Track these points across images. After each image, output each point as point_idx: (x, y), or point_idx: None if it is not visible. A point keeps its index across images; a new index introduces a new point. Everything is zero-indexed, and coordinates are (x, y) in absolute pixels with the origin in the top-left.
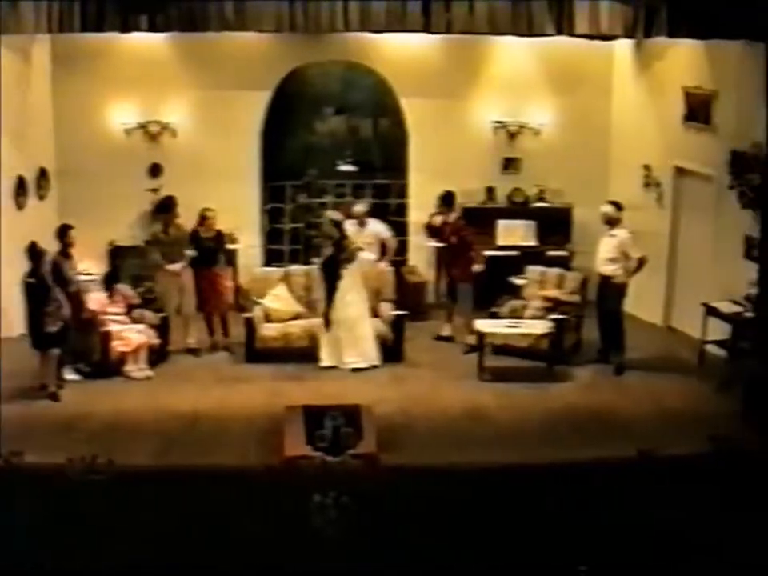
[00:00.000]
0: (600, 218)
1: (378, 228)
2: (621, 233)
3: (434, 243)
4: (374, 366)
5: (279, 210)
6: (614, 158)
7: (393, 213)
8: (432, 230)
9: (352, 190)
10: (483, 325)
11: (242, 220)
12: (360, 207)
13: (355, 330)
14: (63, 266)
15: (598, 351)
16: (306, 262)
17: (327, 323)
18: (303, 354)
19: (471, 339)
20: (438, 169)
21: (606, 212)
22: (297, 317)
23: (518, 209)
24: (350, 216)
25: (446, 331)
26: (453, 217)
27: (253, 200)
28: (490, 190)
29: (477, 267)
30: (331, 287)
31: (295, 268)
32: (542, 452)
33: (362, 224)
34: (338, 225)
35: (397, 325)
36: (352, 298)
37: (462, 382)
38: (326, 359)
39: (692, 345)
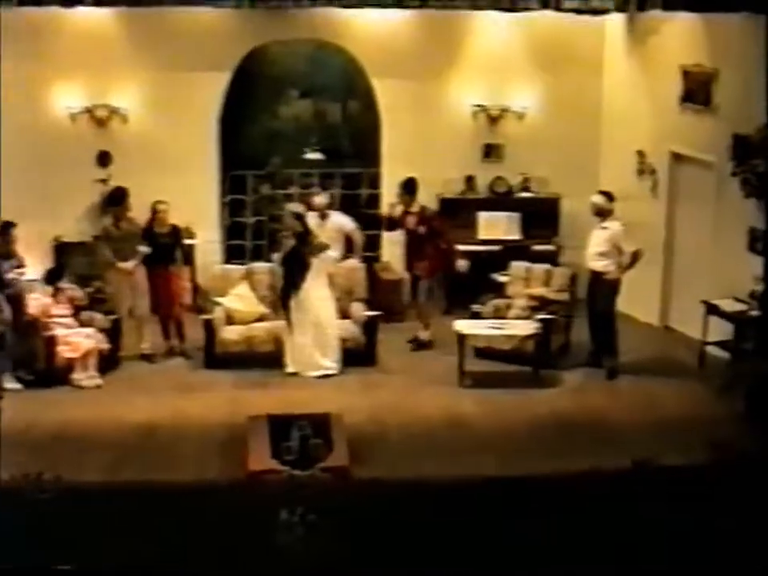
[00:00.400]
0: (590, 209)
1: (340, 221)
2: (613, 225)
3: (394, 235)
4: (332, 375)
5: (240, 202)
6: (605, 144)
7: (364, 205)
8: (391, 222)
9: (319, 180)
10: (464, 326)
11: (199, 213)
12: (321, 198)
13: (320, 334)
14: (1, 266)
15: (588, 354)
16: (270, 259)
17: (289, 325)
18: (268, 359)
19: (424, 335)
20: (413, 156)
21: (596, 202)
22: (260, 318)
23: (500, 199)
24: (310, 208)
25: (424, 335)
26: (416, 206)
27: (211, 191)
28: (470, 179)
29: (462, 264)
30: (292, 286)
31: (258, 265)
32: (527, 463)
33: (323, 217)
34: (299, 218)
35: (369, 327)
36: (317, 298)
37: (440, 388)
38: (291, 365)
39: (691, 346)
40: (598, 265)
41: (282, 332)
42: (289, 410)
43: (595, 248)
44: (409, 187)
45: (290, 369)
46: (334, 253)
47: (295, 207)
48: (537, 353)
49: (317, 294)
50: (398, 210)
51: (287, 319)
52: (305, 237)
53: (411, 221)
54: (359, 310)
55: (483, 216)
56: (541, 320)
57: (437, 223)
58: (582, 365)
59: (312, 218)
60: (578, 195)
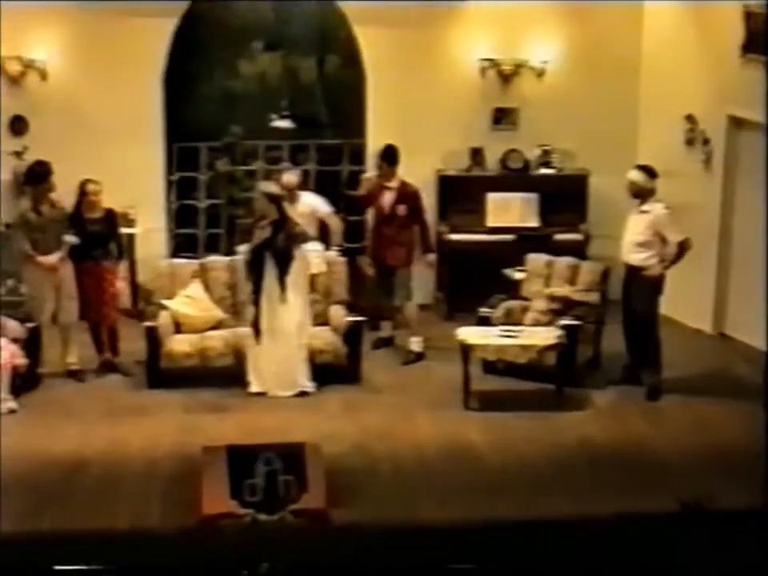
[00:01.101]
0: (626, 189)
1: (313, 203)
2: (655, 208)
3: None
4: (307, 394)
5: (191, 180)
6: (645, 107)
7: (345, 184)
8: (364, 199)
9: (290, 154)
10: (469, 334)
11: (140, 195)
12: (290, 176)
13: (294, 346)
14: None
15: (624, 368)
16: (230, 252)
17: (258, 334)
18: (226, 376)
19: (416, 345)
20: (405, 124)
21: (634, 180)
22: (217, 326)
23: (514, 177)
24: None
25: (386, 331)
26: (395, 180)
27: (155, 167)
28: (477, 153)
29: (431, 258)
30: (262, 287)
31: (214, 259)
32: (548, 504)
33: (291, 198)
34: (275, 200)
35: (352, 335)
36: (295, 302)
37: (440, 412)
38: (256, 383)
39: (752, 358)
40: (637, 258)
41: (245, 342)
42: (253, 439)
43: (633, 237)
44: (389, 156)
45: (255, 388)
46: (317, 246)
47: (269, 187)
48: (560, 367)
49: (295, 296)
50: (372, 183)
51: (255, 326)
52: (282, 225)
53: (388, 198)
54: (339, 314)
55: (493, 198)
56: (564, 326)
57: (420, 203)
58: (617, 382)
59: None
60: (612, 171)
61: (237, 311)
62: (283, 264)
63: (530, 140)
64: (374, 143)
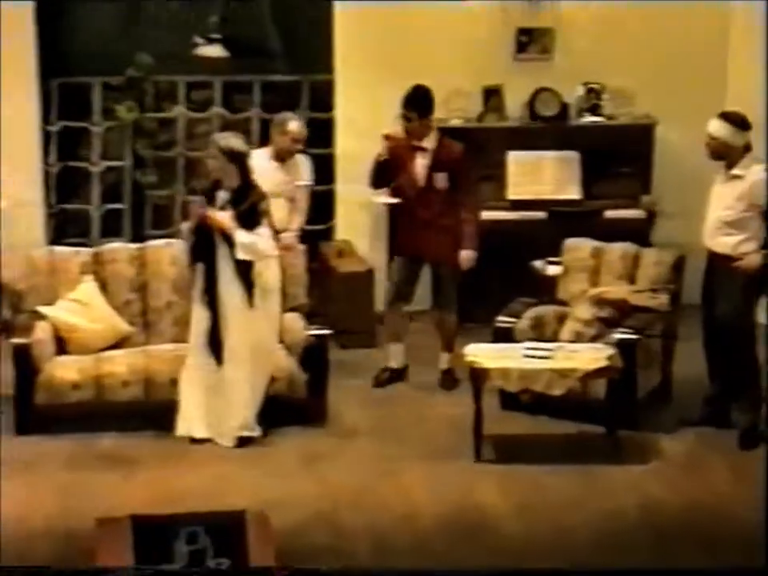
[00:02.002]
0: (707, 147)
1: (305, 167)
2: (751, 173)
3: (387, 198)
4: (246, 439)
5: (80, 133)
6: (735, 28)
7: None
8: (380, 168)
9: (223, 95)
10: (483, 353)
11: (3, 154)
12: (299, 125)
13: (248, 371)
14: None
15: (705, 402)
16: (139, 236)
17: (218, 352)
18: (134, 415)
19: (445, 361)
20: (390, 53)
21: (717, 135)
22: (120, 342)
23: (546, 129)
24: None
25: (396, 358)
26: (430, 139)
27: (24, 114)
28: (493, 94)
29: (467, 256)
30: (214, 284)
31: (115, 248)
32: None
33: (288, 157)
34: (238, 160)
35: (313, 355)
36: (261, 306)
37: (440, 465)
38: (191, 423)
39: None
40: (725, 243)
41: (159, 365)
42: (172, 507)
43: (719, 214)
44: (418, 102)
45: (187, 430)
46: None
47: (230, 141)
48: (612, 401)
49: (262, 300)
50: (397, 143)
51: (212, 341)
52: (245, 194)
53: (421, 164)
54: (296, 326)
55: (516, 159)
56: (619, 343)
57: (465, 169)
58: (695, 422)
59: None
60: (688, 120)
61: (148, 321)
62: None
63: (570, 75)
64: (345, 80)
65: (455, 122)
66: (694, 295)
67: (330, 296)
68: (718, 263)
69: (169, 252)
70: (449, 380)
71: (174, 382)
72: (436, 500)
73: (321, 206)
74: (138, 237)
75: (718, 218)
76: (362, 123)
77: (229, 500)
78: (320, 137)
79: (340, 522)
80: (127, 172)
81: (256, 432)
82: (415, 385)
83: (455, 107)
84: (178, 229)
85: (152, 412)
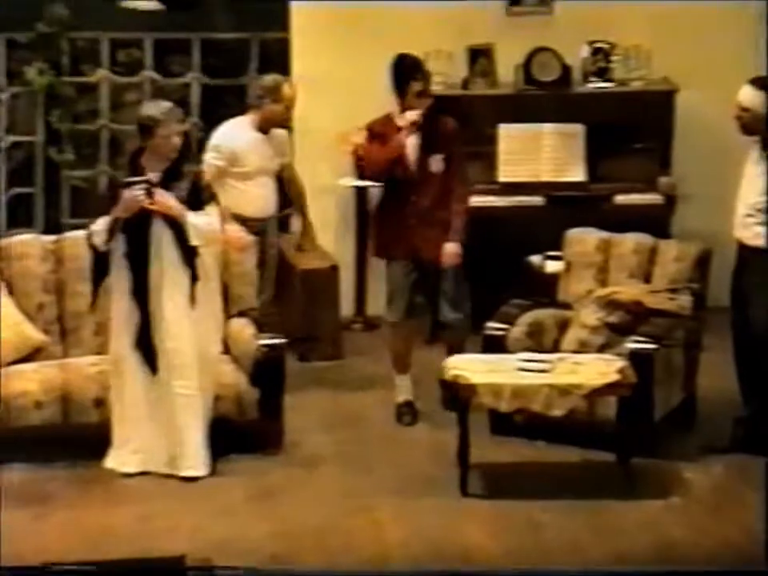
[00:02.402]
0: (737, 119)
1: (245, 140)
2: None
3: (355, 180)
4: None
5: None
6: None
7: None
8: (377, 151)
9: (155, 57)
10: (469, 366)
11: None
12: (291, 87)
13: (191, 387)
14: None
15: (736, 424)
16: (54, 226)
17: (151, 360)
18: (47, 441)
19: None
20: (356, 8)
21: (751, 105)
22: (31, 355)
23: (545, 97)
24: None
25: (405, 392)
26: (417, 111)
27: None
28: (481, 56)
29: (451, 250)
30: (145, 280)
31: (24, 240)
32: None
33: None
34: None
35: (266, 369)
36: (204, 311)
37: (418, 500)
38: (125, 453)
39: None
40: (760, 234)
41: (88, 382)
42: (94, 552)
43: (752, 199)
44: (406, 72)
45: (120, 463)
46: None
47: (160, 108)
48: (624, 423)
49: (205, 302)
50: (384, 121)
51: (142, 346)
52: (181, 171)
53: (412, 144)
54: (245, 334)
55: (509, 133)
56: (633, 353)
57: (459, 148)
58: (723, 449)
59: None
60: (714, 87)
61: (66, 329)
62: (183, 242)
63: (573, 33)
64: (303, 39)
65: (437, 89)
66: (722, 296)
67: (287, 298)
68: (750, 258)
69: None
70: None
71: (98, 403)
72: (413, 542)
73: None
74: (53, 227)
75: (750, 205)
76: (324, 91)
77: (164, 544)
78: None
79: (300, 569)
80: (39, 148)
81: (206, 470)
82: (389, 403)
83: (435, 71)
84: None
85: (70, 438)
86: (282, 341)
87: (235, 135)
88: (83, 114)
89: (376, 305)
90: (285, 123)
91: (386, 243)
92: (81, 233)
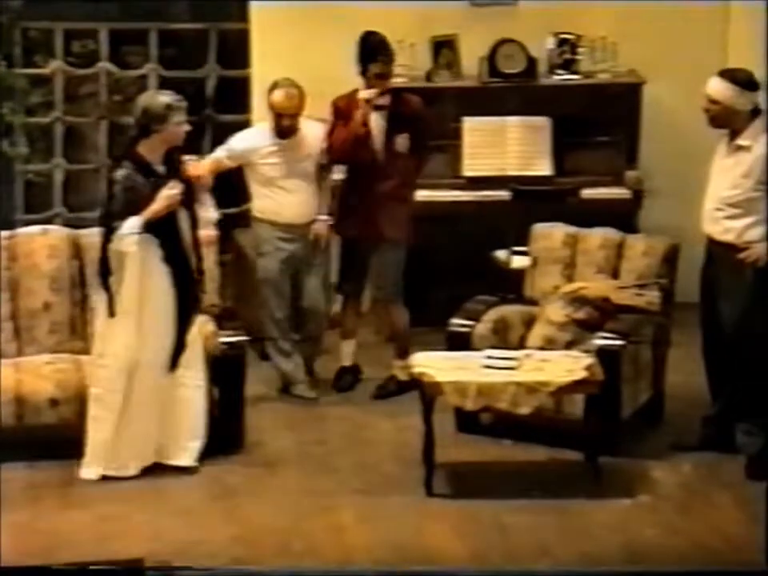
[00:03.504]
0: (706, 112)
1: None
2: (759, 144)
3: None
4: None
5: None
6: None
7: (213, 101)
8: (337, 131)
9: (111, 47)
10: (434, 363)
11: None
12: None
13: (191, 385)
14: None
15: (704, 422)
16: (7, 222)
17: (176, 360)
18: (2, 443)
19: (400, 372)
20: None
21: (720, 97)
22: None
23: (510, 89)
24: None
25: (348, 357)
26: (377, 91)
27: None
28: (444, 47)
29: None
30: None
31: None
32: None
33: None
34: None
35: (227, 367)
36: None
37: (382, 500)
38: (104, 459)
39: None
40: (729, 229)
41: (42, 381)
42: (49, 556)
43: (721, 193)
44: (373, 50)
45: (92, 470)
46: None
47: (172, 97)
48: (591, 421)
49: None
50: (346, 101)
51: (134, 358)
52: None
53: (377, 124)
54: (205, 330)
55: (474, 126)
56: (600, 350)
57: (426, 125)
58: (692, 446)
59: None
60: (681, 79)
61: (20, 327)
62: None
63: (538, 24)
64: (263, 29)
65: (400, 81)
66: (690, 292)
67: (248, 294)
68: (719, 253)
69: (45, 241)
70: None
71: (53, 403)
72: (377, 543)
73: (235, 185)
74: (6, 223)
75: (719, 199)
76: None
77: (122, 546)
78: (233, 100)
79: (263, 571)
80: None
81: (193, 460)
82: (352, 401)
83: (397, 63)
84: (115, 223)
85: (23, 440)
86: (243, 338)
87: (250, 139)
88: (37, 106)
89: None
90: (289, 128)
91: (346, 221)
92: (35, 228)
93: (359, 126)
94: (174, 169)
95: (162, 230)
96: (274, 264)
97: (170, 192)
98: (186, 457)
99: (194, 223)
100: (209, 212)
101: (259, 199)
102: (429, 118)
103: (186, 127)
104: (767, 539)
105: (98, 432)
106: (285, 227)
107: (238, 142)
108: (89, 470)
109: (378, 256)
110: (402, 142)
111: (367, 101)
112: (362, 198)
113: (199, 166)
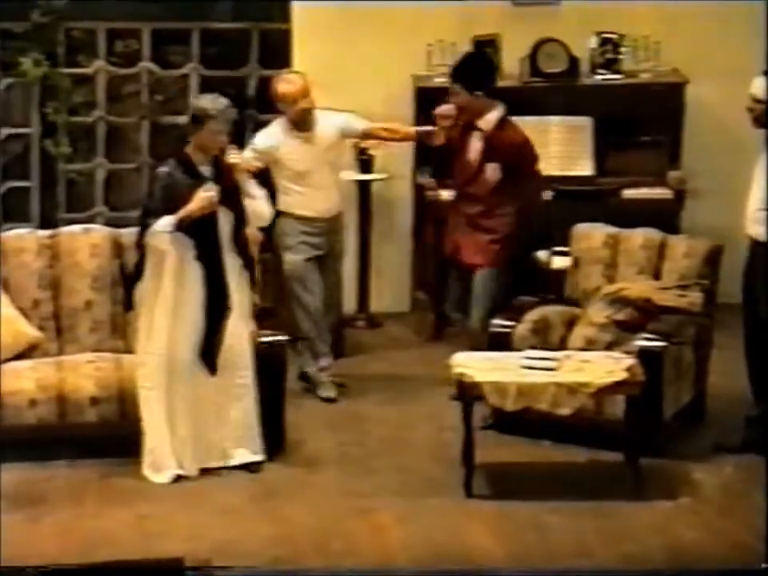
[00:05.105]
0: (750, 112)
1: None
2: None
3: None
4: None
5: None
6: None
7: (255, 102)
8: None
9: (153, 47)
10: (474, 364)
11: None
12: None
13: (239, 383)
14: None
15: (746, 423)
16: (50, 220)
17: (213, 363)
18: (44, 442)
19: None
20: None
21: (763, 96)
22: (26, 352)
23: (551, 89)
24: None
25: None
26: (487, 119)
27: None
28: (485, 46)
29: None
30: (219, 282)
31: (20, 235)
32: None
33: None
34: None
35: (269, 366)
36: (240, 302)
37: (421, 501)
38: (168, 459)
39: None
40: None
41: (84, 380)
42: (89, 555)
43: (764, 194)
44: (474, 73)
45: (162, 472)
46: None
47: (215, 104)
48: (632, 422)
49: (239, 294)
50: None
51: (176, 359)
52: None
53: (475, 148)
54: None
55: None
56: (642, 351)
57: (526, 162)
58: (734, 449)
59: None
60: (725, 78)
61: (62, 326)
62: (239, 228)
63: (580, 23)
64: (305, 29)
65: (439, 81)
66: (733, 293)
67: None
68: (762, 254)
69: (88, 240)
70: None
71: (94, 401)
72: (416, 544)
73: (271, 186)
74: (49, 221)
75: (763, 200)
76: (327, 84)
77: (163, 545)
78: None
79: (302, 571)
80: (34, 141)
81: (260, 455)
82: (392, 402)
83: (439, 62)
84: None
85: (66, 438)
86: (283, 338)
87: (270, 136)
88: (79, 105)
89: (379, 302)
90: (302, 119)
91: (445, 239)
92: (77, 227)
93: (455, 140)
94: (220, 172)
95: (199, 229)
96: (299, 258)
97: (206, 194)
98: (248, 455)
99: (239, 224)
100: (261, 205)
101: (286, 194)
102: (528, 155)
103: (223, 138)
104: None
105: (149, 433)
106: (310, 221)
107: (260, 139)
108: (158, 474)
109: (476, 280)
110: (491, 171)
111: (442, 117)
112: (453, 218)
113: (238, 156)
